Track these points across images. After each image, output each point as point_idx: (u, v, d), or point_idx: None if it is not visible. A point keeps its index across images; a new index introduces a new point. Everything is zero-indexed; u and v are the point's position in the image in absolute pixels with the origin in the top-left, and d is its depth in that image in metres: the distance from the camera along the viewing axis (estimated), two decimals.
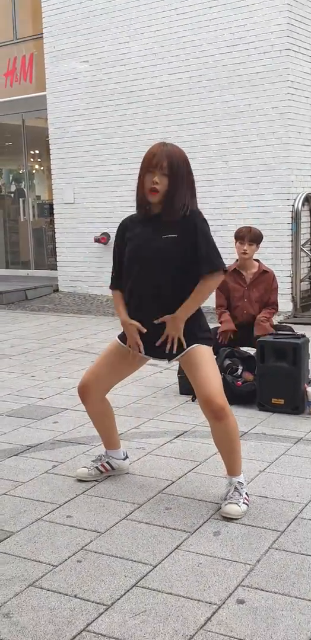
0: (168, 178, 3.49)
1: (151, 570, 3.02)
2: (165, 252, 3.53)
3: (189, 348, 3.58)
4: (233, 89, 10.33)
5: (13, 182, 15.86)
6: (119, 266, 3.76)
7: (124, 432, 4.83)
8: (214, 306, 6.41)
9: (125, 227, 3.74)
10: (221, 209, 10.56)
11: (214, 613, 2.69)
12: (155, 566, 3.05)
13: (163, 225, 3.54)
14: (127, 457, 4.12)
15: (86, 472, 4.02)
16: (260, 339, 5.57)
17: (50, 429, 5.06)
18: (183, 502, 3.71)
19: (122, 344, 3.78)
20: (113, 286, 3.82)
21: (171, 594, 2.83)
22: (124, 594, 2.84)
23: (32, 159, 15.09)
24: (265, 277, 6.13)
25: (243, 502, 3.56)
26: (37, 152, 15.03)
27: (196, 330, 3.61)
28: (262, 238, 6.14)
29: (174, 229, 3.53)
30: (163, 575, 2.98)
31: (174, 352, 3.60)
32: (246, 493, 3.62)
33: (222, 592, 2.83)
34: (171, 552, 3.17)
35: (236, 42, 10.25)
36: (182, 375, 5.89)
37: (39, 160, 15.18)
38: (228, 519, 3.48)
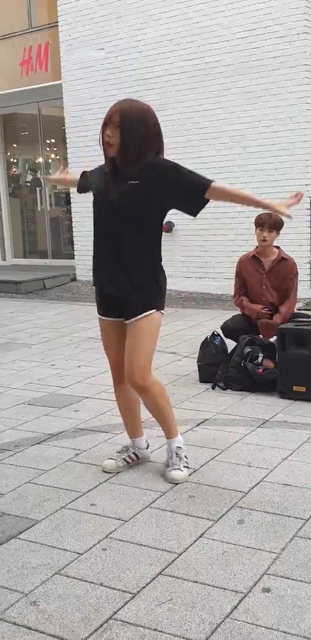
0: (119, 130, 3.54)
1: (176, 558, 3.03)
2: (127, 200, 3.57)
3: (137, 317, 3.65)
4: (250, 74, 10.25)
5: (29, 172, 15.87)
6: (85, 183, 4.02)
7: (145, 420, 4.81)
8: (233, 293, 6.40)
9: (93, 174, 3.91)
10: None
11: (240, 601, 2.69)
12: (180, 554, 3.06)
13: (125, 177, 3.59)
14: (148, 445, 4.13)
15: (113, 465, 3.99)
16: (281, 326, 5.54)
17: (72, 417, 5.08)
18: (205, 490, 3.71)
19: (104, 317, 3.87)
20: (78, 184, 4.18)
21: (196, 582, 2.83)
22: (150, 582, 2.85)
23: (48, 149, 15.09)
24: (284, 265, 6.10)
25: (184, 466, 3.85)
26: (53, 141, 15.01)
27: (154, 291, 3.69)
28: (282, 225, 6.10)
29: (135, 178, 3.56)
30: (188, 563, 2.98)
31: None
32: (185, 456, 3.89)
33: (247, 581, 2.83)
34: (196, 541, 3.17)
35: (253, 26, 10.17)
36: (202, 364, 5.89)
37: (55, 149, 15.17)
38: (178, 481, 3.77)
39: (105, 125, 3.60)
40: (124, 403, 4.03)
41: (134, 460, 4.05)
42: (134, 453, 4.05)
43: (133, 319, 3.67)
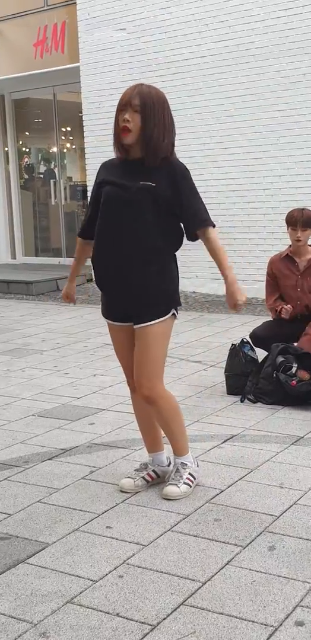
0: (140, 115, 3.53)
1: (200, 587, 3.02)
2: (139, 201, 3.59)
3: (146, 324, 3.68)
4: (286, 57, 10.23)
5: (43, 163, 15.96)
6: (91, 213, 3.86)
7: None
8: (264, 297, 6.38)
9: (103, 168, 3.86)
10: (272, 190, 10.49)
11: (270, 636, 2.67)
12: (204, 583, 3.05)
13: (141, 172, 3.59)
14: (170, 463, 4.12)
15: (132, 484, 3.98)
16: None
17: (87, 431, 5.08)
18: (233, 513, 3.70)
19: (111, 321, 3.93)
20: (80, 233, 4.03)
21: (222, 614, 2.82)
22: (171, 613, 2.84)
23: (63, 137, 15.16)
24: None
25: (184, 483, 3.85)
26: (69, 129, 15.09)
27: (162, 297, 3.71)
28: None
29: (152, 176, 3.57)
30: (213, 593, 2.97)
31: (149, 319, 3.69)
32: (189, 473, 3.89)
33: (279, 613, 2.81)
34: (222, 568, 3.16)
35: (289, 4, 10.15)
36: (229, 374, 5.88)
37: (71, 138, 15.24)
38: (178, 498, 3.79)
39: (121, 110, 3.59)
40: (141, 412, 4.04)
41: (154, 479, 4.05)
42: (153, 470, 4.05)
43: (140, 325, 3.71)
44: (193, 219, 3.68)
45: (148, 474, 4.03)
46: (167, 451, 4.11)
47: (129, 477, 4.02)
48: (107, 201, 3.69)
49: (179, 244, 3.78)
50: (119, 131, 3.60)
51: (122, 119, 3.57)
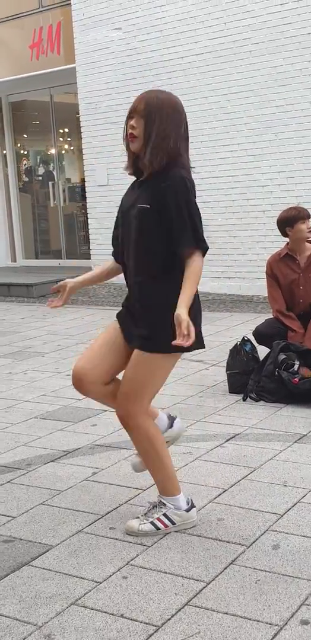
0: (144, 120, 3.37)
1: (204, 587, 3.02)
2: (135, 225, 3.40)
3: (141, 352, 3.40)
4: (282, 53, 10.23)
5: (41, 165, 15.97)
6: (114, 234, 3.67)
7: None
8: (267, 295, 6.38)
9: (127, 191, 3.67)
10: (271, 186, 10.49)
11: (275, 635, 2.67)
12: (208, 583, 3.05)
13: (142, 191, 3.43)
14: (172, 424, 3.81)
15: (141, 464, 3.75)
16: None
17: (89, 432, 5.09)
18: (236, 512, 3.70)
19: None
20: (112, 253, 3.78)
21: (227, 613, 2.82)
22: (175, 613, 2.84)
23: (61, 139, 15.18)
24: None
25: (150, 522, 3.49)
26: (66, 130, 15.10)
27: (163, 331, 3.33)
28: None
29: (148, 196, 3.38)
30: (218, 593, 2.97)
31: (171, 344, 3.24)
32: (164, 514, 3.49)
33: (283, 612, 2.81)
34: (226, 568, 3.17)
35: (284, 0, 10.15)
36: (231, 373, 5.88)
37: (69, 139, 15.25)
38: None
39: (129, 117, 3.44)
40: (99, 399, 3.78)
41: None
42: None
43: (136, 346, 3.46)
44: (177, 239, 3.32)
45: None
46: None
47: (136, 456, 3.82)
48: (121, 227, 3.56)
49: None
50: (127, 140, 3.46)
51: (129, 126, 3.43)
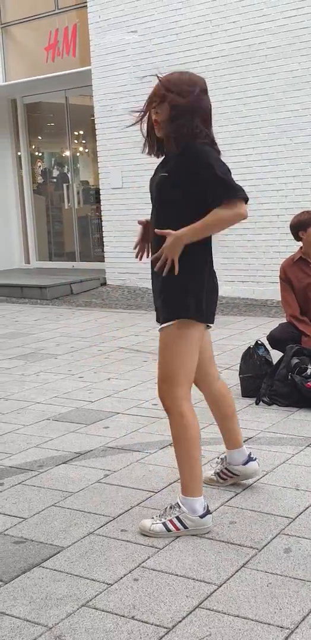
0: (165, 104, 3.41)
1: (216, 590, 3.02)
2: (157, 193, 3.52)
3: (161, 327, 3.54)
4: (298, 57, 10.22)
5: (56, 167, 16.01)
6: None
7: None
8: (280, 299, 6.37)
9: None
10: (286, 190, 10.47)
11: (286, 638, 2.67)
12: (220, 586, 3.05)
13: (163, 165, 3.51)
14: (250, 460, 4.00)
15: (208, 475, 4.02)
16: None
17: (101, 434, 5.10)
18: (248, 516, 3.70)
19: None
20: None
21: (238, 616, 2.82)
22: (186, 615, 2.84)
23: (76, 141, 15.22)
24: None
25: (162, 523, 3.50)
26: (81, 132, 15.14)
27: (178, 300, 3.47)
28: None
29: (168, 166, 3.46)
30: (229, 596, 2.97)
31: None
32: (177, 518, 3.49)
33: (295, 615, 2.81)
34: (237, 571, 3.16)
35: (301, 4, 10.14)
36: (244, 376, 5.87)
37: (83, 141, 15.29)
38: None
39: (150, 102, 3.48)
40: (211, 406, 3.99)
41: (230, 477, 4.02)
42: (226, 469, 4.01)
43: (159, 328, 3.59)
44: (211, 201, 3.34)
45: (222, 472, 4.03)
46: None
47: (210, 471, 4.05)
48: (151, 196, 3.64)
49: (202, 246, 3.48)
50: (151, 126, 3.52)
51: (153, 112, 3.47)
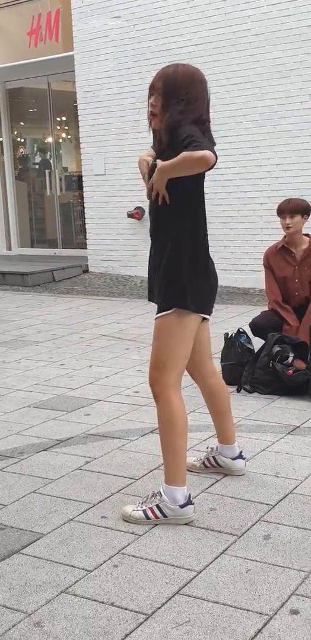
0: (162, 97, 3.43)
1: (195, 576, 3.03)
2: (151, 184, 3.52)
3: (156, 316, 3.58)
4: (282, 45, 10.21)
5: (38, 153, 15.93)
6: None
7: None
8: (264, 287, 6.39)
9: None
10: (269, 179, 10.48)
11: (265, 624, 2.69)
12: (199, 572, 3.07)
13: (161, 153, 3.52)
14: (239, 457, 4.04)
15: (191, 462, 4.04)
16: None
17: (82, 421, 5.10)
18: (228, 502, 3.71)
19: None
20: None
21: (217, 602, 2.84)
22: (166, 602, 2.86)
23: (58, 127, 15.14)
24: None
25: (142, 511, 3.52)
26: (64, 119, 15.06)
27: (174, 289, 3.51)
28: (307, 207, 6.11)
29: (163, 155, 3.46)
30: (208, 582, 2.99)
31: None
32: (157, 506, 3.50)
33: (274, 602, 2.83)
34: (217, 557, 3.18)
35: None
36: (225, 364, 5.89)
37: (66, 128, 15.21)
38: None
39: (150, 95, 3.50)
40: (205, 399, 4.04)
41: (214, 467, 4.05)
42: (214, 457, 4.05)
43: (155, 316, 3.63)
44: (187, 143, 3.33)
45: (208, 459, 4.05)
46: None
47: (191, 457, 4.06)
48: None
49: (194, 233, 3.53)
50: (149, 117, 3.54)
51: (149, 104, 3.49)
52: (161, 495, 3.53)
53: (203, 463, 4.07)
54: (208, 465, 4.06)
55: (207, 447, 4.21)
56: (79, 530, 3.49)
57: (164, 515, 3.50)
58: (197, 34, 10.99)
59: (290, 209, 6.01)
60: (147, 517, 3.51)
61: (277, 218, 6.20)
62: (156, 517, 3.51)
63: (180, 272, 3.51)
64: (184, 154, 3.31)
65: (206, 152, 3.32)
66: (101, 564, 3.16)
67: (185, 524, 3.48)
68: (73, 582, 3.03)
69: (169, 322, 3.53)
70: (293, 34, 10.11)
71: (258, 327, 6.17)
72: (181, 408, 3.57)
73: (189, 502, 3.54)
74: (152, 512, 3.52)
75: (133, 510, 3.54)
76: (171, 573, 3.06)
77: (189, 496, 3.56)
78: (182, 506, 3.51)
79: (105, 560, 3.19)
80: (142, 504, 3.57)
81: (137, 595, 2.91)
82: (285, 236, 6.20)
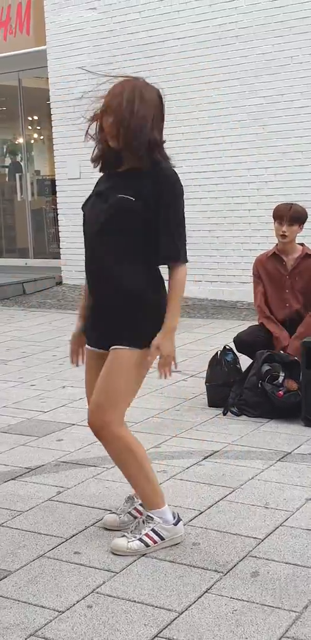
0: (119, 115, 3.44)
1: (176, 617, 3.02)
2: (109, 218, 3.46)
3: (112, 348, 3.50)
4: (272, 39, 10.29)
5: (8, 155, 15.93)
6: None
7: None
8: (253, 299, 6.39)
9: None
10: (258, 183, 10.53)
11: None
12: (181, 613, 3.05)
13: (121, 181, 3.50)
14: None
15: (116, 521, 3.81)
16: (305, 340, 5.54)
17: (54, 448, 5.08)
18: (213, 536, 3.71)
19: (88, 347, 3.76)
20: None
21: None
22: None
23: (30, 127, 15.16)
24: (310, 263, 6.11)
25: (139, 539, 3.53)
26: (36, 118, 15.09)
27: (131, 325, 3.49)
28: (306, 217, 6.11)
29: (132, 188, 3.44)
30: (191, 624, 2.97)
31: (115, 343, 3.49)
32: (153, 530, 3.53)
33: None
34: (200, 597, 3.17)
35: None
36: (211, 385, 5.89)
37: (38, 128, 15.24)
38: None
39: (104, 111, 3.52)
40: None
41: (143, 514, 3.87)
42: (141, 504, 3.80)
43: (112, 349, 3.53)
44: (162, 246, 3.44)
45: (135, 509, 3.85)
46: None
47: (113, 513, 3.88)
48: (87, 212, 3.62)
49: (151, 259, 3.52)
50: (100, 133, 3.55)
51: (105, 124, 3.50)
52: (152, 518, 3.56)
53: (130, 513, 3.87)
54: (137, 514, 3.83)
55: (125, 497, 3.97)
56: (49, 567, 3.46)
57: (162, 538, 3.56)
58: (179, 27, 11.05)
59: (290, 217, 5.98)
60: (147, 545, 3.53)
61: (267, 225, 6.24)
62: (155, 542, 3.55)
63: (154, 305, 3.53)
64: (178, 294, 3.48)
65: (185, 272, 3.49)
66: (74, 604, 3.14)
67: (166, 560, 3.47)
68: (43, 624, 3.00)
69: (136, 360, 3.49)
70: (284, 27, 10.18)
71: (243, 343, 6.13)
72: (132, 435, 3.61)
73: (179, 519, 3.62)
74: (149, 537, 3.54)
75: (129, 542, 3.54)
76: (150, 614, 3.05)
77: (177, 514, 3.65)
78: (175, 524, 3.60)
79: (78, 600, 3.17)
80: (133, 533, 3.57)
81: (113, 638, 2.89)
82: (276, 244, 6.21)
